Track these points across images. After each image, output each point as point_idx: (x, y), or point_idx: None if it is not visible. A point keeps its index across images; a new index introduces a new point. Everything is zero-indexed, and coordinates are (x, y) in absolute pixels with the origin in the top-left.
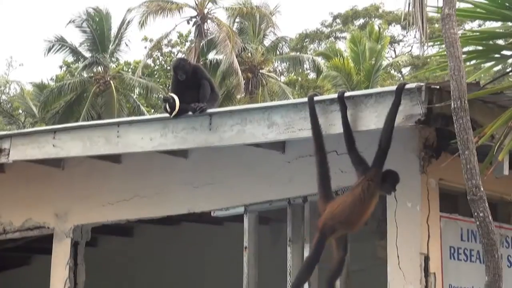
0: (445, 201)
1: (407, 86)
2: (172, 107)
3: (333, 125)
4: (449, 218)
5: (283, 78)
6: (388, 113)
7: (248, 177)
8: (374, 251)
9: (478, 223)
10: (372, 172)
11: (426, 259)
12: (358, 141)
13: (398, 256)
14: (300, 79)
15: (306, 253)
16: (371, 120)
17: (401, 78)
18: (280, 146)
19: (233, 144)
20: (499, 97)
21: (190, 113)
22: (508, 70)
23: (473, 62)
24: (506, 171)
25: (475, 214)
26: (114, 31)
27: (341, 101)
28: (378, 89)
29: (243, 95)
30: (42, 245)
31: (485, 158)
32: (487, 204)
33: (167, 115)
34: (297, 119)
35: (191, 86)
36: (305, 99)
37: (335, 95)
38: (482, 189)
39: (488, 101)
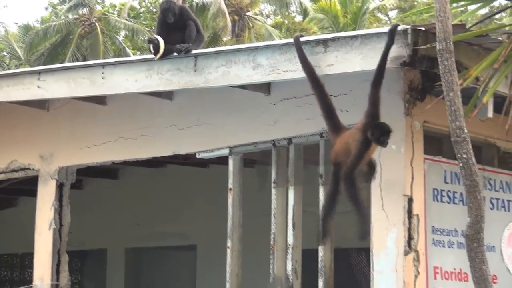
0: (430, 144)
1: None
2: (157, 48)
3: (318, 66)
4: (433, 161)
5: (269, 21)
6: (382, 54)
7: (233, 119)
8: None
9: (461, 164)
10: (364, 122)
11: (410, 201)
12: (344, 83)
13: (381, 198)
14: (286, 21)
15: (291, 195)
16: (357, 62)
17: (388, 22)
18: (265, 88)
19: (218, 85)
20: (484, 40)
21: (175, 54)
22: (494, 12)
23: (459, 3)
24: (490, 114)
25: (459, 155)
26: None
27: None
28: (364, 31)
29: (229, 38)
30: (28, 187)
31: (470, 100)
32: (470, 146)
33: (152, 56)
34: (282, 61)
35: (177, 27)
36: (291, 40)
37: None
38: (466, 131)
39: (473, 44)
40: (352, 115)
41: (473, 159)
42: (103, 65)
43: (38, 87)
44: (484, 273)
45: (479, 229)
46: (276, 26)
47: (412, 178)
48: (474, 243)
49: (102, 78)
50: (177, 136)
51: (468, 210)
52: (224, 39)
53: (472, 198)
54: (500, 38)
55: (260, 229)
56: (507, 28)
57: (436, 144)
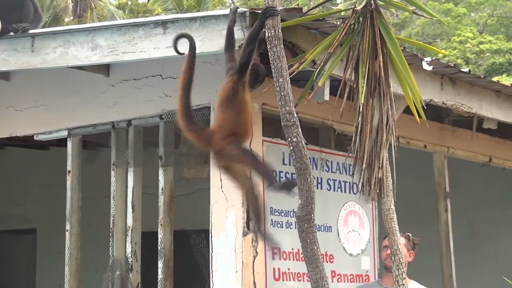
0: (268, 126)
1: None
2: None
3: (157, 48)
4: (271, 142)
5: (113, 1)
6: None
7: (72, 100)
8: (200, 175)
9: (291, 148)
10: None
11: None
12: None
13: (221, 180)
14: (130, 3)
15: (130, 177)
16: (196, 43)
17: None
18: (104, 69)
19: (56, 66)
20: (321, 24)
21: (11, 33)
22: None
23: None
24: (326, 97)
25: (289, 139)
26: None
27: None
28: (203, 13)
29: (71, 19)
30: None
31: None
32: (300, 130)
33: None
34: (121, 42)
35: (14, 6)
36: (130, 21)
37: (157, 18)
38: (295, 115)
39: (311, 28)
40: (192, 96)
41: (303, 142)
42: None
43: None
44: (315, 253)
45: (309, 210)
46: (120, 7)
47: None
48: (305, 224)
49: None
50: (14, 118)
51: (299, 192)
52: (66, 19)
53: (302, 180)
54: (336, 23)
55: (100, 212)
56: (342, 13)
57: (275, 126)
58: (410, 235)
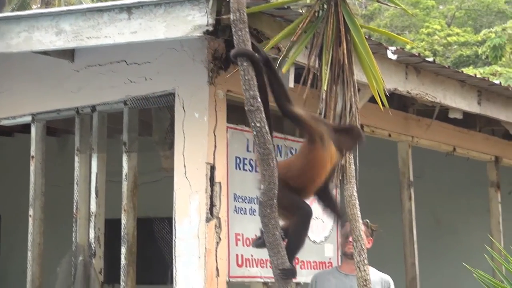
0: (233, 112)
1: None
2: None
3: (122, 34)
4: (235, 129)
5: None
6: None
7: (36, 85)
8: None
9: (255, 133)
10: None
11: (212, 169)
12: (148, 51)
13: (185, 166)
14: None
15: (94, 163)
16: (160, 30)
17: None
18: (69, 54)
19: (21, 51)
20: (286, 12)
21: None
22: None
23: None
24: (291, 84)
25: (252, 124)
26: None
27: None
28: None
29: (39, 6)
30: None
31: None
32: (263, 115)
33: None
34: (85, 27)
35: None
36: (94, 5)
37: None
38: (259, 100)
39: (276, 15)
40: (155, 84)
41: (266, 127)
42: None
43: None
44: (277, 238)
45: (272, 195)
46: None
47: (215, 146)
48: (268, 209)
49: None
50: None
51: (262, 178)
52: (34, 6)
53: (265, 165)
54: (301, 11)
55: (64, 198)
56: (308, 1)
57: (239, 113)
58: (368, 221)
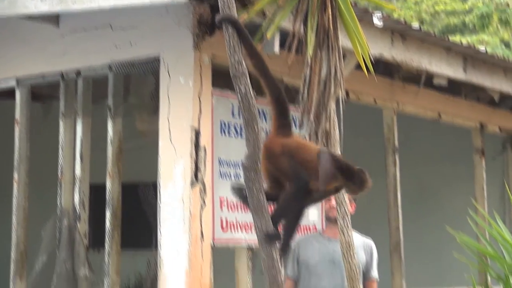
0: (218, 78)
1: None
2: None
3: None
4: (221, 94)
5: None
6: None
7: (21, 50)
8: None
9: (240, 98)
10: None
11: (197, 133)
12: (133, 16)
13: (169, 130)
14: None
15: (79, 128)
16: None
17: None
18: (54, 19)
19: (5, 15)
20: None
21: None
22: None
23: None
24: (276, 49)
25: (237, 89)
26: None
27: None
28: None
29: None
30: None
31: None
32: (249, 80)
33: None
34: None
35: None
36: None
37: None
38: (245, 65)
39: None
40: (140, 49)
41: (251, 92)
42: None
43: None
44: (261, 202)
45: (256, 159)
46: None
47: (200, 111)
48: (252, 173)
49: None
50: None
51: (246, 142)
52: None
53: (250, 130)
54: None
55: (49, 163)
56: None
57: (224, 78)
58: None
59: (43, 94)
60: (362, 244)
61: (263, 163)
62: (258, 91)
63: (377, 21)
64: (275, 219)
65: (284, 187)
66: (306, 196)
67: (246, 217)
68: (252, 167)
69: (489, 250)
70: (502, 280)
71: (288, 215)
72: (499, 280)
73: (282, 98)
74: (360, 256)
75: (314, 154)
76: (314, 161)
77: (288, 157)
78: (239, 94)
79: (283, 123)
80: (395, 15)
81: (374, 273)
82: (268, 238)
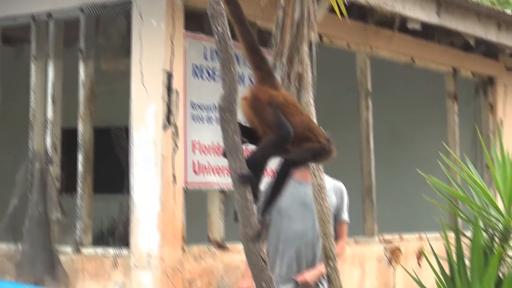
0: (191, 20)
1: None
2: None
3: None
4: (193, 37)
5: None
6: None
7: None
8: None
9: (217, 38)
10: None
11: (170, 76)
12: None
13: (141, 73)
14: None
15: (50, 70)
16: None
17: None
18: None
19: None
20: None
21: None
22: None
23: None
24: None
25: (214, 29)
26: None
27: None
28: None
29: None
30: None
31: None
32: (226, 20)
33: None
34: None
35: None
36: None
37: None
38: (222, 5)
39: None
40: None
41: (228, 32)
42: None
43: None
44: (236, 143)
45: (232, 100)
46: None
47: (173, 54)
48: (227, 114)
49: None
50: None
51: (222, 83)
52: None
53: (226, 70)
54: None
55: (21, 105)
56: None
57: (197, 21)
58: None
59: (14, 37)
60: (333, 187)
61: (246, 110)
62: (233, 36)
63: None
64: (250, 163)
65: (259, 139)
66: (283, 150)
67: (219, 160)
68: (228, 108)
69: (459, 193)
70: (472, 222)
71: (262, 162)
72: (468, 222)
73: (257, 47)
74: (331, 199)
75: (299, 119)
76: (298, 127)
77: (274, 108)
78: (216, 35)
79: (265, 73)
80: None
81: (345, 215)
82: (242, 179)
